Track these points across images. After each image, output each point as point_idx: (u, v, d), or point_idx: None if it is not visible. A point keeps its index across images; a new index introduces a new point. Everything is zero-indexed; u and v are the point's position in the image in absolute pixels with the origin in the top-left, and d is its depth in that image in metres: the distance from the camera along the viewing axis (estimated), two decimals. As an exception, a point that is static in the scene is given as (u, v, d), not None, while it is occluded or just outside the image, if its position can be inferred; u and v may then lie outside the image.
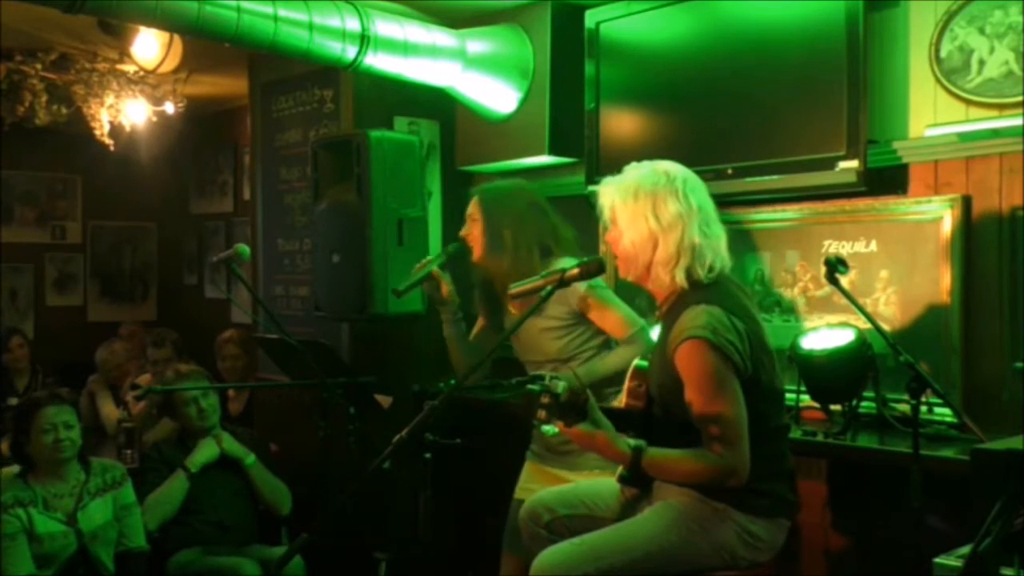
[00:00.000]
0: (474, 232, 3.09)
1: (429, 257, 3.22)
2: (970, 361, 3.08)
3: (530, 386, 2.25)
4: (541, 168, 4.35)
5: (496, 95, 4.20)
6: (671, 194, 2.40)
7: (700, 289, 2.38)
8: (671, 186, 2.41)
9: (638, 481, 2.51)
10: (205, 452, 3.91)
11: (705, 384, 2.29)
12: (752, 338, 2.35)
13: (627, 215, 2.42)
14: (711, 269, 2.40)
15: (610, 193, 2.48)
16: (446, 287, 3.12)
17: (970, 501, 2.12)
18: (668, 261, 2.38)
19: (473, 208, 3.12)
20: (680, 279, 2.38)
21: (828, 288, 3.26)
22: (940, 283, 3.13)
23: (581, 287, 2.93)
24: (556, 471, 3.12)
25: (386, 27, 3.76)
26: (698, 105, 3.70)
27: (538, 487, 3.13)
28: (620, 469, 2.53)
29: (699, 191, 2.45)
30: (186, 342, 5.63)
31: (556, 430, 2.30)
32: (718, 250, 2.43)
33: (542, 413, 2.24)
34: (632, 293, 4.00)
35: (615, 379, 2.86)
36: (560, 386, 2.23)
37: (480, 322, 3.29)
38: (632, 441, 2.33)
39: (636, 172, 2.47)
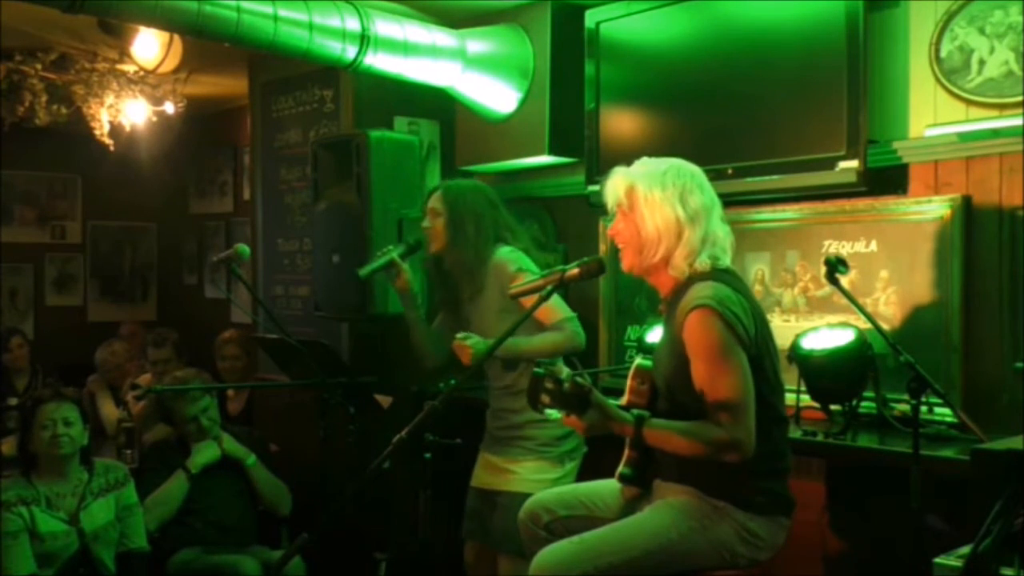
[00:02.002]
0: (436, 225, 3.24)
1: (391, 247, 3.39)
2: (970, 361, 3.08)
3: (535, 370, 2.27)
4: (541, 168, 4.36)
5: (496, 95, 4.20)
6: (696, 187, 2.45)
7: (708, 274, 2.41)
8: (694, 180, 2.46)
9: (639, 480, 2.51)
10: (206, 453, 3.91)
11: (710, 353, 2.30)
12: (758, 321, 2.38)
13: (654, 202, 2.42)
14: (727, 259, 2.46)
15: (628, 180, 2.48)
16: (404, 275, 3.31)
17: (970, 501, 2.12)
18: (692, 252, 2.41)
19: (436, 203, 3.27)
20: (701, 266, 2.41)
21: (828, 288, 3.26)
22: (940, 283, 3.13)
23: (511, 269, 3.13)
24: (492, 458, 3.28)
25: (386, 27, 3.76)
26: (698, 105, 3.70)
27: (480, 472, 3.34)
28: (621, 467, 2.53)
29: (712, 189, 2.51)
30: (186, 342, 5.62)
31: (560, 415, 2.31)
32: (728, 244, 2.49)
33: (546, 398, 2.25)
34: (632, 294, 4.02)
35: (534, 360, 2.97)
36: (565, 372, 2.25)
37: (441, 315, 3.42)
38: (635, 411, 2.35)
39: (657, 163, 2.49)
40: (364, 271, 3.31)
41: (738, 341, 2.30)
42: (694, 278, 2.41)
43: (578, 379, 2.27)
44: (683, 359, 2.35)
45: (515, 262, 3.16)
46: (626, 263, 2.53)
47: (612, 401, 2.43)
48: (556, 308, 3.12)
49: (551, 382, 2.25)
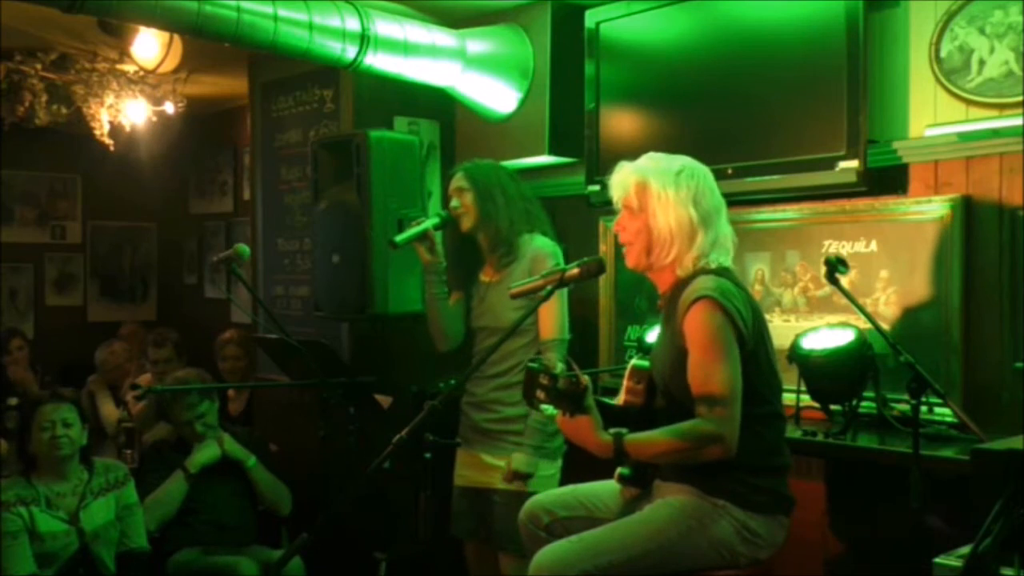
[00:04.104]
0: (465, 201, 3.26)
1: (424, 217, 3.40)
2: (970, 361, 3.08)
3: (530, 364, 2.26)
4: (541, 168, 4.35)
5: (496, 95, 4.20)
6: (708, 188, 2.46)
7: (710, 270, 2.42)
8: (706, 181, 2.47)
9: (639, 480, 2.51)
10: (205, 453, 3.91)
11: (707, 342, 2.31)
12: (756, 316, 2.39)
13: (667, 202, 2.42)
14: (728, 259, 2.48)
15: (639, 176, 2.47)
16: (436, 248, 3.31)
17: (970, 501, 2.12)
18: (703, 255, 2.43)
19: (460, 182, 3.30)
20: (712, 265, 2.43)
21: (828, 288, 3.26)
22: (940, 283, 3.13)
23: (550, 263, 3.15)
24: (480, 454, 3.28)
25: (386, 27, 3.76)
26: (698, 105, 3.70)
27: (468, 472, 3.33)
28: (620, 467, 2.53)
29: (719, 189, 2.51)
30: (186, 342, 5.63)
31: (556, 412, 2.31)
32: (732, 243, 2.51)
33: (541, 393, 2.25)
34: (632, 294, 4.01)
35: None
36: (559, 367, 2.25)
37: (455, 296, 3.42)
38: (612, 430, 2.35)
39: (669, 161, 2.48)
40: (399, 238, 3.29)
41: (736, 334, 2.31)
42: (693, 276, 2.42)
43: (573, 377, 2.26)
44: (681, 352, 2.36)
45: (555, 257, 3.21)
46: (631, 260, 2.52)
47: (608, 400, 2.43)
48: (560, 327, 3.20)
49: (546, 378, 2.24)
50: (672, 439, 2.31)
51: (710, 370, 2.29)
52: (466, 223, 3.27)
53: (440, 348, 3.44)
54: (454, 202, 3.29)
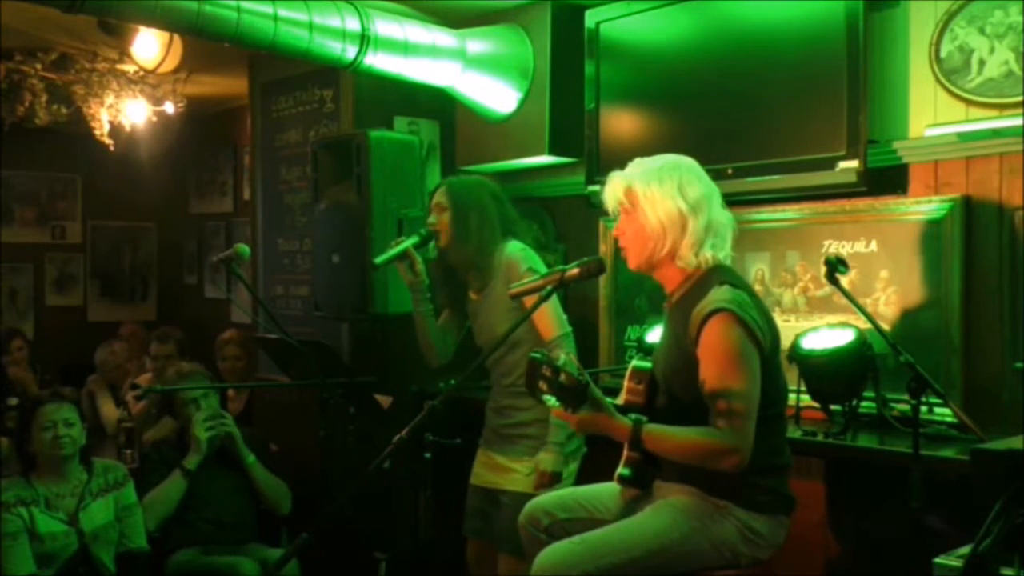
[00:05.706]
0: (443, 220, 3.25)
1: (404, 237, 3.38)
2: (970, 361, 3.08)
3: (532, 354, 2.27)
4: (541, 168, 4.36)
5: (496, 95, 4.20)
6: (695, 177, 2.47)
7: (719, 271, 2.43)
8: (691, 171, 2.48)
9: (639, 481, 2.51)
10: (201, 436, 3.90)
11: (725, 356, 2.30)
12: (770, 323, 2.41)
13: (654, 196, 2.44)
14: (727, 247, 2.48)
15: (626, 181, 2.49)
16: (417, 266, 3.29)
17: (970, 501, 2.12)
18: (698, 241, 2.42)
19: (441, 198, 3.28)
20: (709, 257, 2.43)
21: (828, 288, 3.26)
22: (940, 283, 3.13)
23: (521, 268, 3.12)
24: (495, 455, 3.27)
25: (386, 27, 3.76)
26: (698, 105, 3.70)
27: (482, 471, 3.32)
28: (620, 468, 2.53)
29: (709, 178, 2.52)
30: (186, 342, 5.63)
31: (558, 404, 2.31)
32: (730, 232, 2.51)
33: (543, 384, 2.26)
34: (632, 294, 4.02)
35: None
36: (562, 359, 2.26)
37: (446, 313, 3.43)
38: (632, 415, 2.36)
39: (652, 161, 2.50)
40: (380, 259, 3.29)
41: (756, 346, 2.32)
42: (705, 277, 2.42)
43: (576, 373, 2.27)
44: (690, 359, 2.36)
45: (526, 261, 3.16)
46: (632, 261, 2.53)
47: (608, 400, 2.43)
48: (554, 323, 3.13)
49: (548, 370, 2.25)
50: (692, 441, 2.31)
51: (730, 384, 2.28)
52: (443, 240, 3.26)
53: (430, 364, 3.42)
54: (431, 218, 3.28)
